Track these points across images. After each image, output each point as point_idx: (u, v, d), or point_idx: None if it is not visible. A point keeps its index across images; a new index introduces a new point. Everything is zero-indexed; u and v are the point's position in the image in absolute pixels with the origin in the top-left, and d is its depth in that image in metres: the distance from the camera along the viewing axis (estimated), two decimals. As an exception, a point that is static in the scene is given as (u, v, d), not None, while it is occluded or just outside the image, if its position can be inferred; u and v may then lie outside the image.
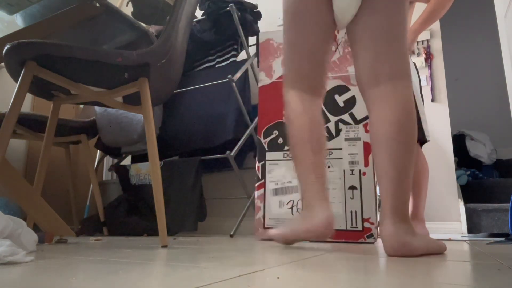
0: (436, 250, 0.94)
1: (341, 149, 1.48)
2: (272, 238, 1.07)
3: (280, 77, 1.67)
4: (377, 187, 2.06)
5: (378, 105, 1.02)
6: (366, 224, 1.38)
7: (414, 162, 1.01)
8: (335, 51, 1.64)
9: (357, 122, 1.50)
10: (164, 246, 1.06)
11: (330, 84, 1.57)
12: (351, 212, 1.40)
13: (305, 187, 1.04)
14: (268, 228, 1.51)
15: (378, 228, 1.17)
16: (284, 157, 1.57)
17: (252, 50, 2.37)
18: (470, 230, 2.20)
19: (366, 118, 1.49)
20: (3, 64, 1.17)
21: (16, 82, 1.13)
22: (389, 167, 0.96)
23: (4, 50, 1.09)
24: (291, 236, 1.02)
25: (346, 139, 1.49)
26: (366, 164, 1.44)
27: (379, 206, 2.28)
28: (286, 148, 1.57)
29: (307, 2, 1.10)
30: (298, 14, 1.13)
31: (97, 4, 1.22)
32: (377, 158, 1.00)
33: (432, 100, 2.48)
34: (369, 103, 1.06)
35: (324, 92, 1.19)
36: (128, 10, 1.96)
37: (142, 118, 1.97)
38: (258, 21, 2.32)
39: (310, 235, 0.95)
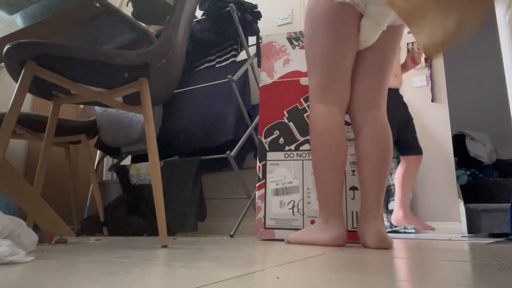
0: None
1: (341, 149, 1.48)
2: (291, 241, 1.23)
3: (281, 77, 1.67)
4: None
5: (369, 126, 1.21)
6: (366, 224, 1.38)
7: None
8: None
9: (357, 122, 1.50)
10: (164, 246, 1.06)
11: (330, 84, 1.57)
12: (352, 212, 1.40)
13: (324, 201, 1.16)
14: (268, 228, 1.51)
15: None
16: (285, 157, 1.57)
17: (252, 50, 2.37)
18: (470, 230, 2.20)
19: (366, 118, 1.50)
20: (3, 64, 1.17)
21: (16, 82, 1.13)
22: (381, 178, 1.16)
23: (4, 50, 1.09)
24: (309, 243, 1.16)
25: (347, 140, 1.49)
26: (366, 164, 1.44)
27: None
28: (287, 148, 1.57)
29: (344, 16, 1.16)
30: (336, 25, 1.17)
31: (97, 4, 1.22)
32: (369, 170, 1.17)
33: (432, 100, 2.48)
34: (359, 123, 1.24)
35: (347, 104, 1.26)
36: (128, 10, 1.96)
37: (142, 118, 1.97)
38: (258, 21, 2.32)
39: (327, 246, 1.10)
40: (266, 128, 1.62)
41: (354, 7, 1.15)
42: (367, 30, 1.18)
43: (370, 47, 1.23)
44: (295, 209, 1.50)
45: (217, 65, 2.33)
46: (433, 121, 2.41)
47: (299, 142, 1.56)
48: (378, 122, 1.21)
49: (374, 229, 1.10)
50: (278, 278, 0.49)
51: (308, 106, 1.59)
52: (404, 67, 2.05)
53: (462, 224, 2.18)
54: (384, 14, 1.14)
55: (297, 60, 1.67)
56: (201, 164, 1.95)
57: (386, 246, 1.07)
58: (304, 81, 1.62)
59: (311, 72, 1.25)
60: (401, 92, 2.14)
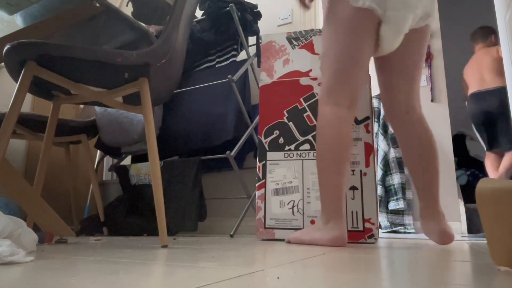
0: None
1: (341, 149, 1.48)
2: (291, 241, 1.24)
3: (281, 77, 1.67)
4: (377, 188, 2.08)
5: (411, 130, 1.27)
6: (367, 225, 1.38)
7: None
8: None
9: (358, 122, 1.50)
10: (164, 246, 1.06)
11: (330, 84, 1.57)
12: (352, 212, 1.40)
13: (326, 204, 1.16)
14: (268, 228, 1.51)
15: (421, 224, 1.34)
16: (285, 157, 1.57)
17: (252, 50, 2.37)
18: (470, 230, 2.20)
19: (366, 118, 1.49)
20: (3, 64, 1.17)
21: (16, 82, 1.13)
22: (431, 178, 1.24)
23: (4, 50, 1.09)
24: (310, 243, 1.17)
25: (352, 140, 1.49)
26: (367, 165, 1.44)
27: (379, 206, 2.28)
28: (287, 148, 1.57)
29: (359, 20, 1.16)
30: (351, 29, 1.17)
31: (97, 4, 1.22)
32: (419, 171, 1.25)
33: (432, 100, 2.48)
34: (400, 128, 1.30)
35: (357, 103, 1.26)
36: (128, 10, 1.96)
37: (142, 118, 1.97)
38: (258, 21, 2.33)
39: (327, 246, 1.11)
40: (266, 128, 1.62)
41: (372, 12, 1.13)
42: (388, 36, 1.17)
43: (395, 52, 1.23)
44: (295, 209, 1.50)
45: (217, 65, 2.33)
46: (433, 121, 2.40)
47: (299, 142, 1.56)
48: (418, 124, 1.27)
49: (439, 228, 1.21)
50: (278, 278, 0.49)
51: (308, 106, 1.59)
52: None
53: (462, 224, 2.18)
54: (404, 19, 1.13)
55: (297, 60, 1.67)
56: (201, 164, 1.95)
57: (450, 242, 1.20)
58: (304, 81, 1.62)
59: (322, 74, 1.26)
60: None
